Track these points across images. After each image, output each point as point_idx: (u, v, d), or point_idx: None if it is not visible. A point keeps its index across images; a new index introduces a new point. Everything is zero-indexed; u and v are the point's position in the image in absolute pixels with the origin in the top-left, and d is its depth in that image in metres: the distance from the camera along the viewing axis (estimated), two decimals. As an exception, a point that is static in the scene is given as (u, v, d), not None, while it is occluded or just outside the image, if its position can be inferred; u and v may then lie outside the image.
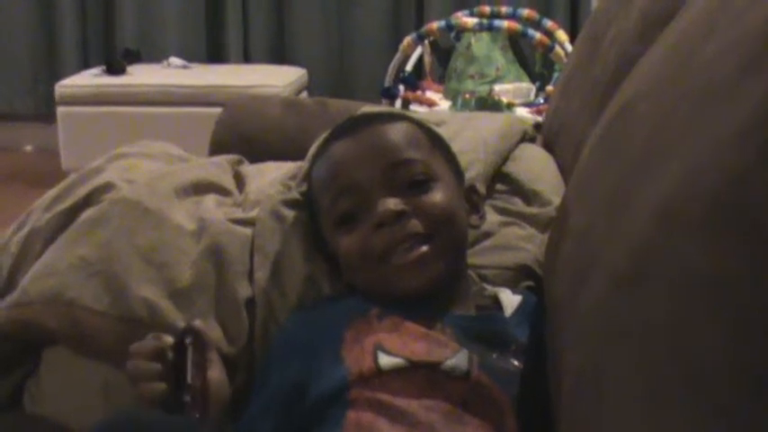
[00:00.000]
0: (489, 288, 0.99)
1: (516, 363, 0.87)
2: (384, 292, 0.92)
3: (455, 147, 1.07)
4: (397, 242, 0.90)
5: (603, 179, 0.72)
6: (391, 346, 0.84)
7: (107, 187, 1.10)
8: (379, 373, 0.82)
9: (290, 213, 1.04)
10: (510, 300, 0.96)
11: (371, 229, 0.91)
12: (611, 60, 1.12)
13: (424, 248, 0.90)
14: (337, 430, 0.79)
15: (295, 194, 1.06)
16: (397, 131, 0.98)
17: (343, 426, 0.79)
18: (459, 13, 3.08)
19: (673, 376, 0.45)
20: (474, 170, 1.12)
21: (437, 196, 0.93)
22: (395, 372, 0.82)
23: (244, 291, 0.99)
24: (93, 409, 0.96)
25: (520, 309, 0.94)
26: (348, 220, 0.94)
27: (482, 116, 1.43)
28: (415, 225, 0.91)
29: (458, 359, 0.83)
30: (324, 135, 1.07)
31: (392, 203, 0.91)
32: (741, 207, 0.45)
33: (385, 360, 0.83)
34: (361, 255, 0.92)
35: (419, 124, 1.03)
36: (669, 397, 0.45)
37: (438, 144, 1.02)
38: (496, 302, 0.96)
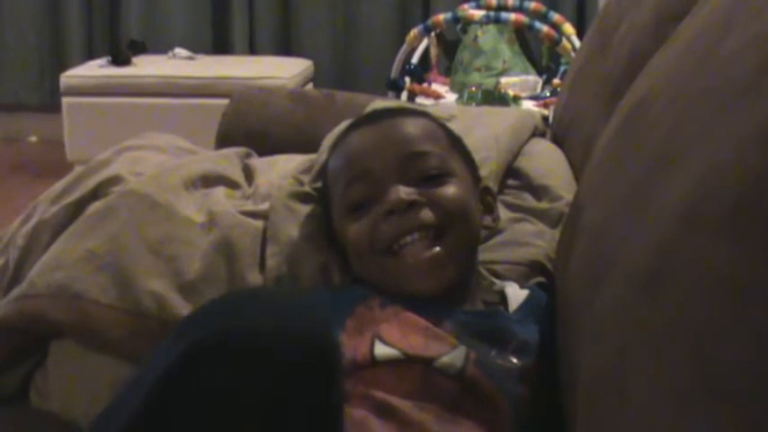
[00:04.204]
0: (498, 283, 0.99)
1: (515, 360, 0.86)
2: (392, 287, 0.90)
3: (467, 144, 1.06)
4: (406, 231, 0.89)
5: (620, 176, 0.72)
6: (390, 337, 0.84)
7: (115, 180, 1.10)
8: (373, 362, 0.82)
9: (303, 206, 1.03)
10: (516, 294, 0.95)
11: (381, 217, 0.90)
12: (623, 55, 1.11)
13: (437, 249, 0.89)
14: None
15: (308, 189, 1.06)
16: (416, 125, 0.98)
17: None
18: (466, 5, 3.07)
19: (694, 380, 0.45)
20: (486, 169, 1.11)
21: (451, 190, 0.92)
22: (389, 364, 0.82)
23: (255, 283, 0.99)
24: (100, 403, 0.95)
25: (525, 304, 0.94)
26: (359, 209, 0.93)
27: (493, 112, 1.42)
28: (427, 215, 0.90)
29: (454, 356, 0.82)
30: (341, 126, 1.06)
31: (404, 192, 0.90)
32: (764, 207, 0.44)
33: (381, 350, 0.82)
34: (369, 242, 0.91)
35: (440, 123, 1.02)
36: (690, 401, 0.45)
37: (456, 144, 1.01)
38: (503, 297, 0.95)
